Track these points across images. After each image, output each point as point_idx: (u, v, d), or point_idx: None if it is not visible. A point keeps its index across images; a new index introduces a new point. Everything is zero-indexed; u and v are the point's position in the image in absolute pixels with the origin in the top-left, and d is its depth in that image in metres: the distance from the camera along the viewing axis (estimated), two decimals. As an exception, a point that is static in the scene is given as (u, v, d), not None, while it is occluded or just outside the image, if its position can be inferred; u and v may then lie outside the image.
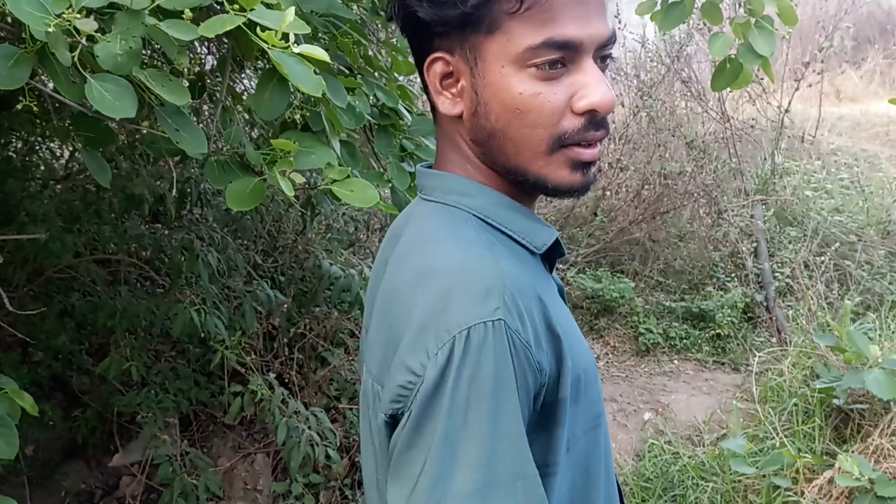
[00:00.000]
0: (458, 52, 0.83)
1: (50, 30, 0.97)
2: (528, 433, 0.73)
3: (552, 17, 0.77)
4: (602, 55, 0.84)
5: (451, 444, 0.69)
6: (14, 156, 3.16)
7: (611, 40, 0.83)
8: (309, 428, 2.79)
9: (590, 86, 0.80)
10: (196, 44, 2.51)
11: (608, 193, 5.84)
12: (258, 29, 1.06)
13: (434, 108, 0.89)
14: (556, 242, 0.90)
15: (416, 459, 0.71)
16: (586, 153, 0.83)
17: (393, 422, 0.76)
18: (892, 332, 3.60)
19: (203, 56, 2.62)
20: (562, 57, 0.79)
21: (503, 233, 0.86)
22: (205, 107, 2.89)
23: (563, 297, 0.96)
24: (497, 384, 0.70)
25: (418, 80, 0.93)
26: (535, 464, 0.73)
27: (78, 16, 1.01)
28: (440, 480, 0.69)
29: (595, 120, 0.82)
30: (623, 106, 6.34)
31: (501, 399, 0.70)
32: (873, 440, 2.88)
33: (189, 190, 2.83)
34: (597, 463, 0.88)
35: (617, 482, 1.01)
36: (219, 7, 1.16)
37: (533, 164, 0.83)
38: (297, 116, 1.73)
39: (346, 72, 1.92)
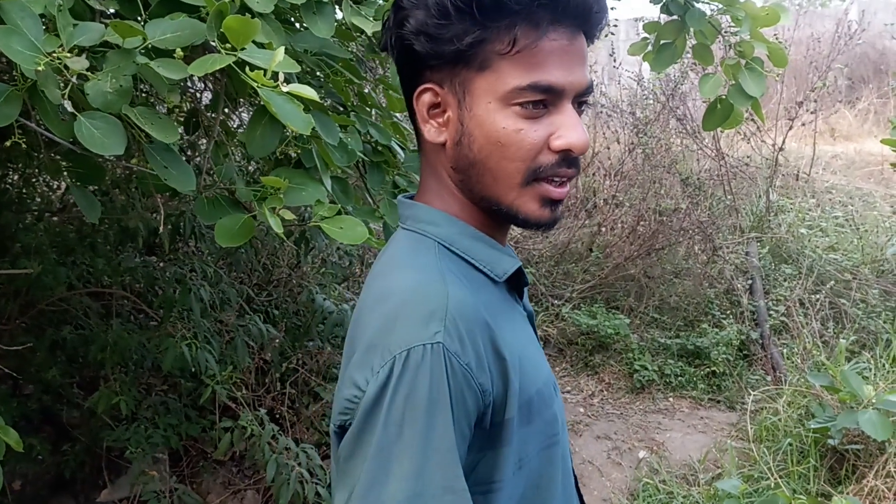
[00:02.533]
0: (447, 84, 0.89)
1: (40, 68, 0.98)
2: (475, 451, 0.82)
3: (539, 63, 0.84)
4: (580, 101, 0.90)
5: (386, 455, 0.74)
6: (10, 188, 3.16)
7: (589, 90, 0.89)
8: (299, 465, 2.76)
9: (568, 127, 0.86)
10: (194, 80, 2.54)
11: (603, 229, 5.85)
12: (247, 68, 1.07)
13: (419, 136, 0.95)
14: (519, 271, 0.96)
15: (355, 468, 0.76)
16: (556, 192, 0.89)
17: (341, 432, 0.82)
18: (887, 372, 3.58)
19: (199, 92, 2.65)
20: (545, 99, 0.85)
21: (465, 261, 0.92)
22: (202, 141, 2.91)
23: (532, 324, 1.04)
24: (431, 402, 0.75)
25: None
26: (481, 479, 0.82)
27: (69, 54, 1.02)
28: (373, 488, 0.73)
29: (568, 158, 0.88)
30: (619, 143, 6.38)
31: (435, 416, 0.75)
32: (868, 481, 2.86)
33: (182, 224, 2.84)
34: (551, 480, 0.93)
35: (581, 498, 1.08)
36: (214, 45, 1.17)
37: (507, 195, 0.89)
38: (292, 152, 1.74)
39: (340, 109, 1.93)
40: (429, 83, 0.90)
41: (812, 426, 3.23)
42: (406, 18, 0.88)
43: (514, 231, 5.95)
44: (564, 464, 0.98)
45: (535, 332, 1.05)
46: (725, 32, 2.18)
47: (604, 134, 6.61)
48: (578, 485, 1.09)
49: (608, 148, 6.38)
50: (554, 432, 0.93)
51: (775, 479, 3.12)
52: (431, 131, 0.92)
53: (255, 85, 1.08)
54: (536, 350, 0.97)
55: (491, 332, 0.83)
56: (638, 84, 6.64)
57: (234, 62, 1.09)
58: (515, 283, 0.98)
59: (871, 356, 3.78)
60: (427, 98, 0.91)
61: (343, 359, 0.92)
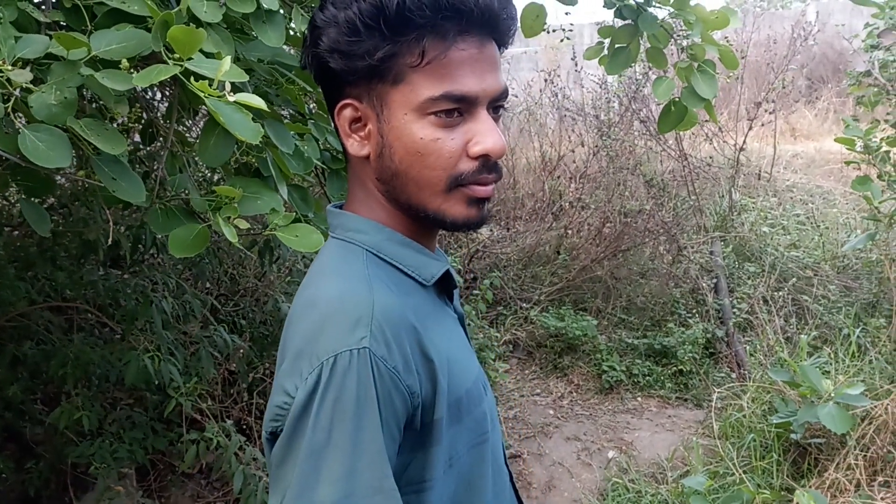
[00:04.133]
0: (365, 99, 0.92)
1: (-20, 81, 0.98)
2: (406, 451, 0.84)
3: (450, 73, 0.87)
4: (495, 106, 0.92)
5: (316, 459, 0.76)
6: (-34, 203, 3.12)
7: (503, 95, 0.92)
8: (267, 475, 2.74)
9: (484, 133, 0.89)
10: (154, 90, 2.52)
11: (570, 232, 5.89)
12: (192, 78, 1.07)
13: (344, 150, 0.98)
14: (447, 274, 0.99)
15: (286, 473, 0.78)
16: (481, 190, 0.91)
17: (273, 439, 0.83)
18: (847, 366, 3.65)
19: (157, 102, 2.63)
20: (459, 107, 0.88)
21: (394, 266, 0.94)
22: (162, 153, 2.88)
23: (463, 325, 1.07)
24: (359, 405, 0.77)
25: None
26: (412, 479, 0.85)
27: (11, 67, 1.02)
28: (304, 492, 0.75)
29: (488, 164, 0.91)
30: (583, 145, 6.43)
31: (363, 419, 0.77)
32: (830, 475, 2.91)
33: (144, 235, 2.81)
34: (481, 477, 0.96)
35: (517, 496, 1.10)
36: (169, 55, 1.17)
37: (432, 201, 0.91)
38: (251, 161, 1.74)
39: (299, 117, 1.93)
40: (348, 99, 0.93)
41: (774, 421, 3.28)
42: (320, 37, 0.90)
43: (482, 235, 5.98)
44: (495, 460, 1.00)
45: (467, 333, 1.07)
46: (677, 36, 2.21)
47: (569, 137, 6.66)
48: (513, 480, 1.11)
49: (573, 151, 6.43)
50: (483, 430, 0.96)
51: (740, 474, 3.16)
52: (354, 145, 0.95)
53: (201, 95, 1.08)
54: (466, 350, 1.00)
55: (418, 336, 0.86)
56: (601, 87, 6.70)
57: (181, 72, 1.09)
58: (445, 287, 1.00)
59: (832, 351, 3.85)
60: (347, 113, 0.94)
61: (276, 367, 0.93)
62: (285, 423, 0.80)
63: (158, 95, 2.67)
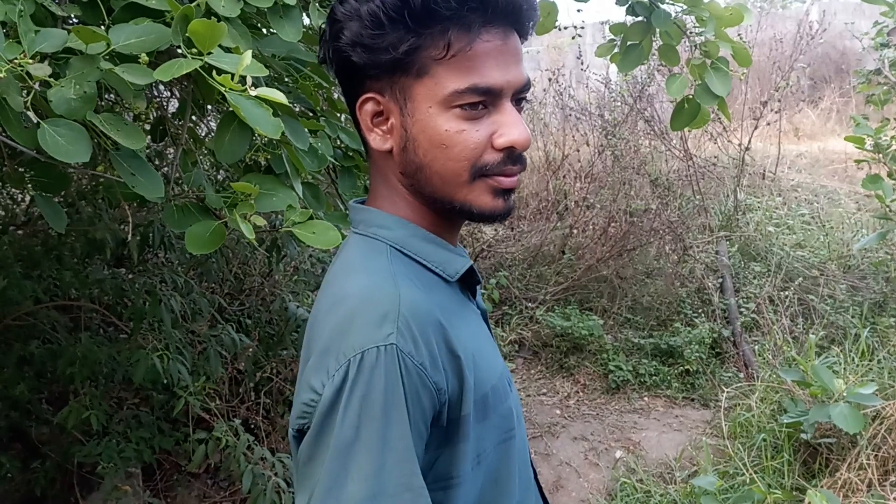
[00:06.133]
0: (388, 93, 0.91)
1: (1, 75, 0.96)
2: (433, 448, 0.84)
3: (475, 65, 0.86)
4: (518, 98, 0.92)
5: (344, 457, 0.75)
6: (-28, 202, 3.11)
7: (526, 86, 0.92)
8: (275, 475, 2.73)
9: (509, 125, 0.88)
10: (160, 88, 2.51)
11: (575, 231, 5.88)
12: (214, 72, 1.06)
13: (366, 144, 0.96)
14: (471, 270, 0.98)
15: (314, 471, 0.78)
16: (506, 181, 0.90)
17: (300, 436, 0.83)
18: (857, 366, 3.63)
19: (166, 100, 2.62)
20: (483, 100, 0.87)
21: (418, 262, 0.93)
22: (169, 150, 2.87)
23: (486, 321, 1.06)
24: (387, 402, 0.77)
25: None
26: (440, 476, 0.84)
27: (31, 61, 1.00)
28: (333, 490, 0.75)
29: (513, 155, 0.90)
30: (588, 145, 6.42)
31: (391, 416, 0.76)
32: (841, 474, 2.89)
33: (151, 234, 2.80)
34: (508, 474, 0.95)
35: (542, 495, 1.10)
36: (178, 50, 1.16)
37: (457, 193, 0.91)
38: (262, 159, 1.73)
39: (310, 114, 1.92)
40: (370, 92, 0.92)
41: (785, 421, 3.26)
42: (341, 31, 0.89)
43: (487, 234, 5.96)
44: (522, 457, 1.00)
45: (490, 329, 1.06)
46: (690, 33, 2.20)
47: (573, 137, 6.65)
48: (538, 477, 1.10)
49: (578, 150, 6.41)
50: (510, 426, 0.95)
51: (750, 474, 3.15)
52: (377, 139, 0.94)
53: (222, 89, 1.06)
54: (490, 346, 0.99)
55: (444, 332, 0.85)
56: (605, 87, 6.69)
57: (200, 67, 1.08)
58: (468, 283, 1.00)
59: (841, 350, 3.83)
60: (369, 107, 0.92)
61: (300, 364, 0.92)
62: (312, 421, 0.79)
63: (167, 93, 2.65)
